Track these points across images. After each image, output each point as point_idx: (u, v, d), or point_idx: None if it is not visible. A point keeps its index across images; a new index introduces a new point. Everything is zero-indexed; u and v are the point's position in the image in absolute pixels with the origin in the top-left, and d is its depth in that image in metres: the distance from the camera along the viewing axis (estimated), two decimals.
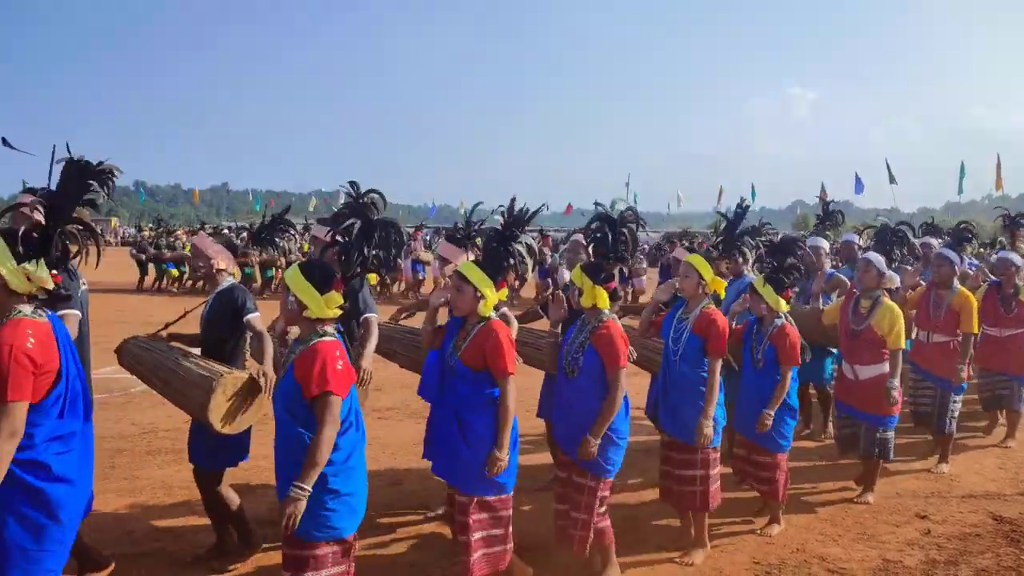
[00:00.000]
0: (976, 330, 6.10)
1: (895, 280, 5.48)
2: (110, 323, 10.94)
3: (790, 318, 4.93)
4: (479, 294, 3.63)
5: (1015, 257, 6.92)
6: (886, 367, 5.23)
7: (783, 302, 4.77)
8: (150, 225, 27.59)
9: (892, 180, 35.67)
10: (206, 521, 4.44)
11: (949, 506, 5.39)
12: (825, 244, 7.59)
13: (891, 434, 5.37)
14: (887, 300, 5.27)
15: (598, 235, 4.40)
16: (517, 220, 4.08)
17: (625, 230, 4.38)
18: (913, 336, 6.31)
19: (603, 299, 3.91)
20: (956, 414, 6.17)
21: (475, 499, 3.61)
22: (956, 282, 6.18)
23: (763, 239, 5.89)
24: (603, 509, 3.99)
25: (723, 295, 4.42)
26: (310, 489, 2.91)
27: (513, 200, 4.17)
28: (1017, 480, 5.99)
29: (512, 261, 3.89)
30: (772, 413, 4.65)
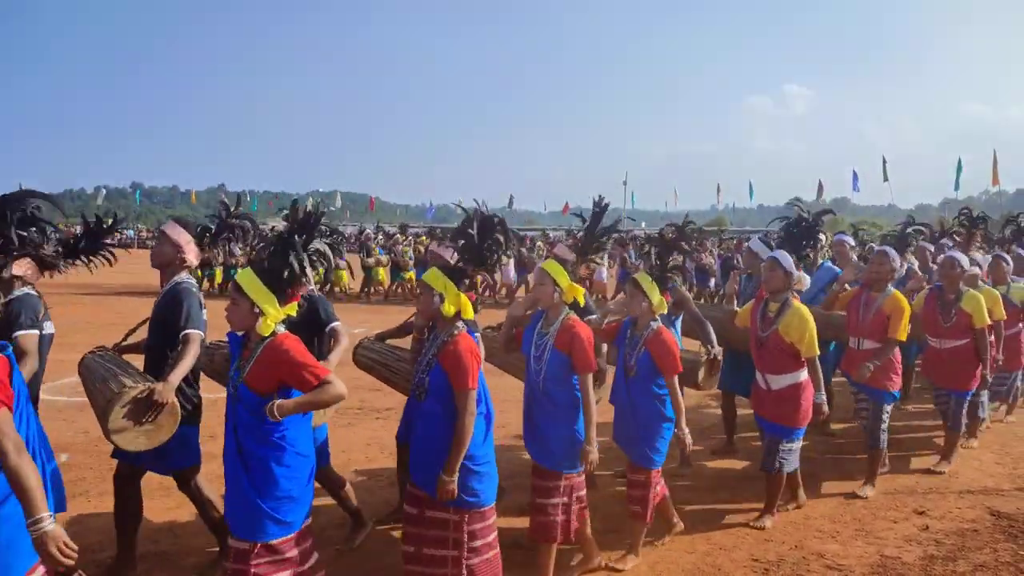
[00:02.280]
0: (903, 337, 5.45)
1: (805, 281, 4.97)
2: (108, 326, 10.89)
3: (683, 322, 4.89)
4: (257, 309, 3.13)
5: (961, 258, 6.15)
6: (799, 376, 4.80)
7: (664, 304, 4.40)
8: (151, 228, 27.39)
9: (885, 178, 35.77)
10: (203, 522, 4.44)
11: (947, 502, 5.40)
12: (850, 239, 7.70)
13: (795, 446, 4.92)
14: (796, 303, 4.82)
15: (464, 237, 3.94)
16: (303, 224, 3.42)
17: (497, 232, 3.85)
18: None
19: (468, 308, 3.51)
20: (886, 428, 5.58)
21: (258, 544, 3.09)
22: (890, 286, 5.58)
23: (653, 236, 5.40)
24: (484, 541, 3.50)
25: (581, 301, 4.01)
26: None
27: (295, 202, 3.68)
28: (1015, 475, 6.00)
29: (294, 272, 3.23)
30: (686, 430, 4.28)
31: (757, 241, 6.29)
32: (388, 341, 5.03)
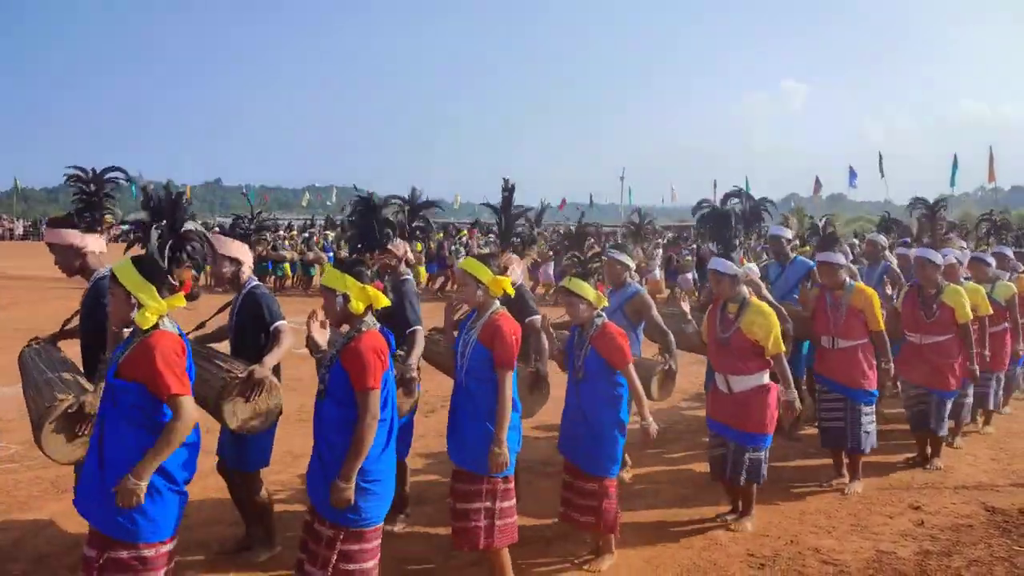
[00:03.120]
0: (883, 326, 5.40)
1: (754, 271, 4.81)
2: None
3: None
4: (133, 300, 2.95)
5: (933, 254, 6.06)
6: (762, 378, 4.65)
7: (602, 296, 4.20)
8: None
9: (881, 174, 35.79)
10: (209, 515, 4.48)
11: (942, 497, 5.42)
12: (883, 239, 7.69)
13: (763, 455, 4.71)
14: (755, 301, 4.69)
15: (355, 223, 3.78)
16: (164, 211, 3.29)
17: (386, 217, 3.73)
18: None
19: (380, 299, 3.27)
20: (871, 428, 5.46)
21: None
22: (850, 280, 5.50)
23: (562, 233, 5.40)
24: (358, 567, 3.17)
25: (512, 292, 3.90)
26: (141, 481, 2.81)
27: (146, 190, 3.47)
28: (1010, 471, 6.02)
29: (169, 261, 3.11)
30: (650, 419, 4.07)
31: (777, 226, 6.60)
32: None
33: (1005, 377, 7.20)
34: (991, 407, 7.04)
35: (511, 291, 3.89)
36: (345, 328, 3.30)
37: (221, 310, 4.41)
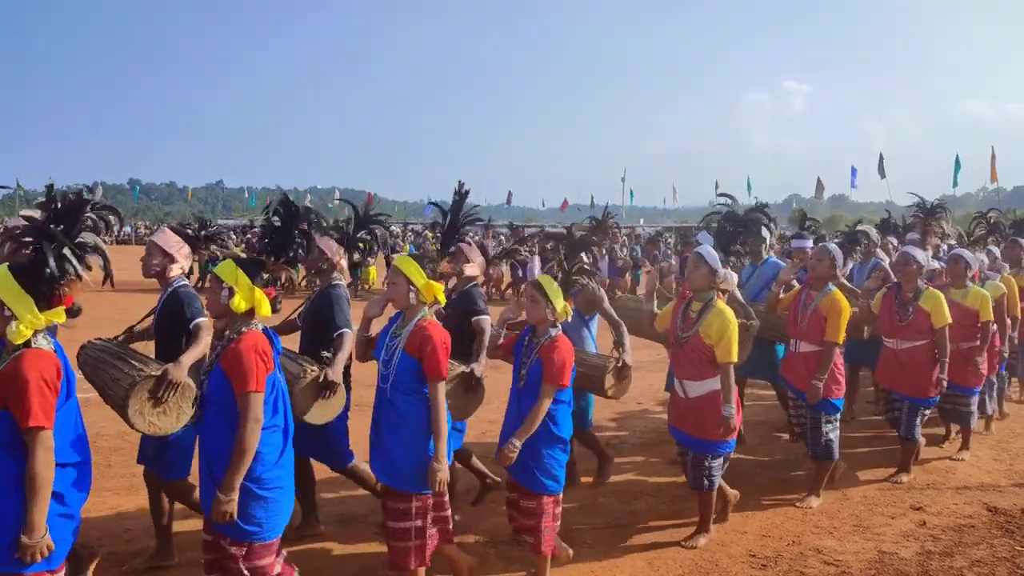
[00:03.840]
0: (840, 340, 5.11)
1: (732, 280, 4.58)
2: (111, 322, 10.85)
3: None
4: (8, 312, 2.70)
5: (918, 253, 5.78)
6: (719, 382, 4.43)
7: (569, 309, 3.96)
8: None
9: (882, 175, 35.74)
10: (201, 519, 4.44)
11: (944, 498, 5.41)
12: (875, 233, 7.41)
13: (716, 462, 4.52)
14: (720, 304, 4.46)
15: (270, 227, 3.58)
16: (63, 213, 3.03)
17: (306, 227, 3.51)
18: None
19: (264, 305, 3.12)
20: (833, 437, 5.22)
21: None
22: (831, 284, 5.22)
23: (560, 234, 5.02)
24: None
25: (442, 300, 3.70)
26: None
27: (51, 188, 3.21)
28: (1012, 471, 6.01)
29: (54, 271, 2.81)
30: (518, 444, 3.74)
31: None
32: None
33: (997, 378, 6.99)
34: (988, 412, 6.91)
35: (442, 299, 3.71)
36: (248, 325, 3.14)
37: (150, 314, 4.28)
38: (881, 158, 36.60)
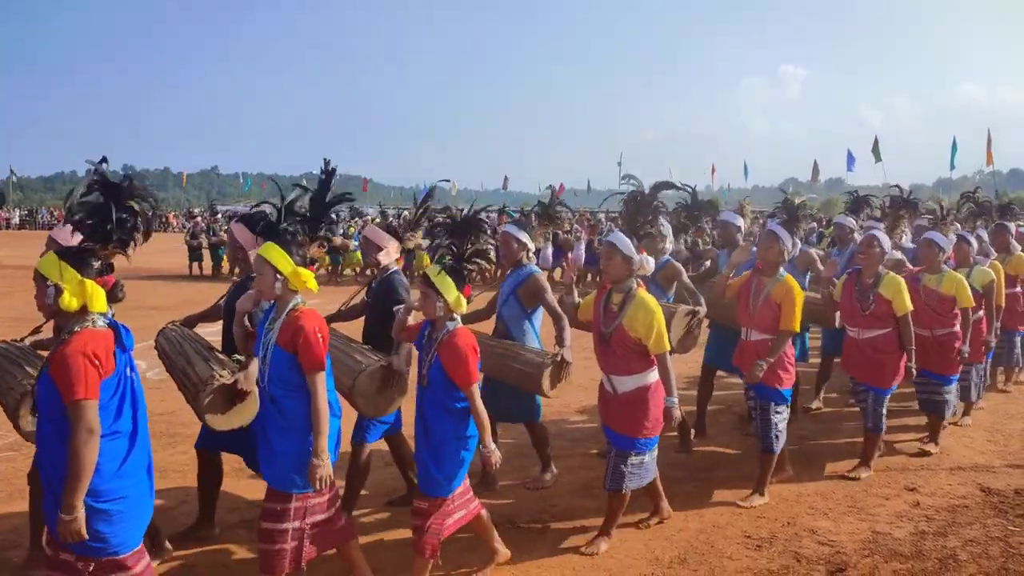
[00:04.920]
0: (796, 328, 4.88)
1: (649, 265, 4.29)
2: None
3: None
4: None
5: (881, 236, 5.46)
6: (647, 378, 4.19)
7: (463, 300, 3.70)
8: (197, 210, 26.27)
9: (877, 158, 35.71)
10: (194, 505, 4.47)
11: (938, 478, 5.44)
12: (852, 221, 7.19)
13: (646, 459, 4.28)
14: (641, 293, 4.19)
15: (87, 206, 3.11)
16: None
17: (135, 205, 3.08)
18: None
19: (99, 298, 2.81)
20: (782, 428, 5.00)
21: None
22: (783, 270, 4.97)
23: (444, 217, 4.70)
24: None
25: (314, 288, 3.43)
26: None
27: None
28: (1006, 452, 6.05)
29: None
30: (492, 446, 3.66)
31: (729, 213, 6.27)
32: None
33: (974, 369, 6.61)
34: (972, 399, 6.72)
35: (314, 287, 3.43)
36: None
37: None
38: (876, 141, 36.56)
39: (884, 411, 5.45)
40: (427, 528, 3.64)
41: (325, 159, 4.11)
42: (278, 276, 3.31)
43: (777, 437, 4.97)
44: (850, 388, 5.88)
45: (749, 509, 4.84)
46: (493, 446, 3.71)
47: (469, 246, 3.96)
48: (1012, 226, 7.92)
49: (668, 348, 4.17)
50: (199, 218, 21.70)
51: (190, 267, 20.59)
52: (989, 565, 4.14)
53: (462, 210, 4.00)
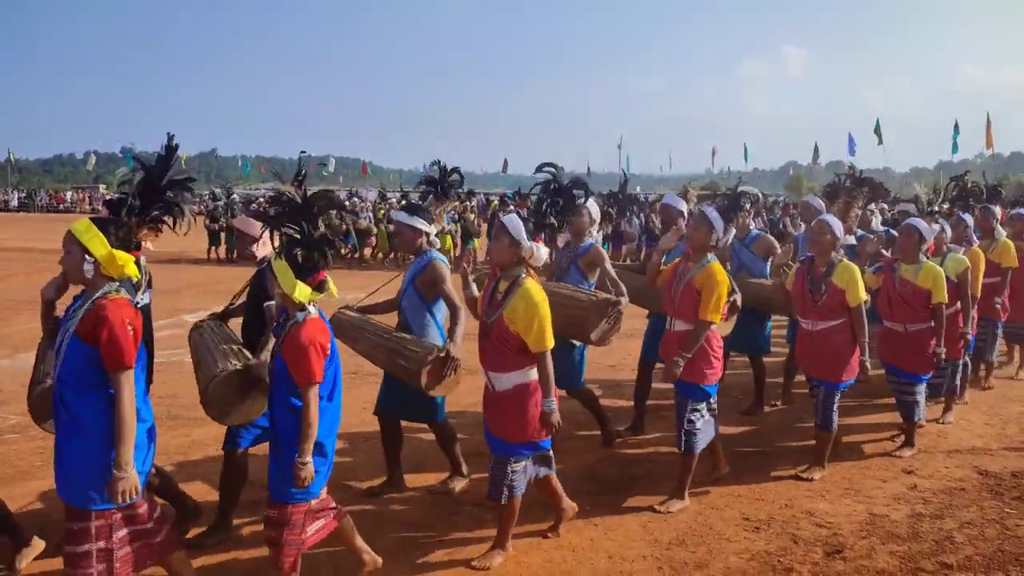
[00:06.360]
0: (717, 319, 4.52)
1: (541, 255, 3.90)
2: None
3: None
4: (89, 257, 2.95)
5: (833, 222, 5.09)
6: (528, 375, 3.81)
7: (306, 290, 3.28)
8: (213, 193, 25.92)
9: (880, 141, 35.61)
10: (195, 487, 4.50)
11: (935, 461, 5.47)
12: (819, 202, 6.67)
13: (523, 465, 3.92)
14: (528, 283, 3.79)
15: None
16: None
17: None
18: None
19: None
20: (700, 427, 4.63)
21: None
22: (710, 255, 4.60)
23: (286, 199, 4.03)
24: None
25: (135, 275, 3.13)
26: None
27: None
28: (1003, 435, 6.08)
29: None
30: (308, 459, 3.22)
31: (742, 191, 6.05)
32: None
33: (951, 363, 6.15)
34: (950, 394, 6.37)
35: (134, 272, 3.09)
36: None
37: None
38: (878, 124, 36.45)
39: (835, 407, 5.12)
40: (284, 542, 3.30)
41: (168, 134, 3.64)
42: (87, 257, 2.95)
43: (693, 435, 4.60)
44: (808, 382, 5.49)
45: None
46: (310, 459, 3.23)
47: (314, 230, 3.40)
48: (997, 210, 7.55)
49: (550, 346, 3.77)
50: (220, 201, 21.65)
51: (208, 252, 20.37)
52: (985, 547, 4.17)
53: (302, 190, 3.48)
